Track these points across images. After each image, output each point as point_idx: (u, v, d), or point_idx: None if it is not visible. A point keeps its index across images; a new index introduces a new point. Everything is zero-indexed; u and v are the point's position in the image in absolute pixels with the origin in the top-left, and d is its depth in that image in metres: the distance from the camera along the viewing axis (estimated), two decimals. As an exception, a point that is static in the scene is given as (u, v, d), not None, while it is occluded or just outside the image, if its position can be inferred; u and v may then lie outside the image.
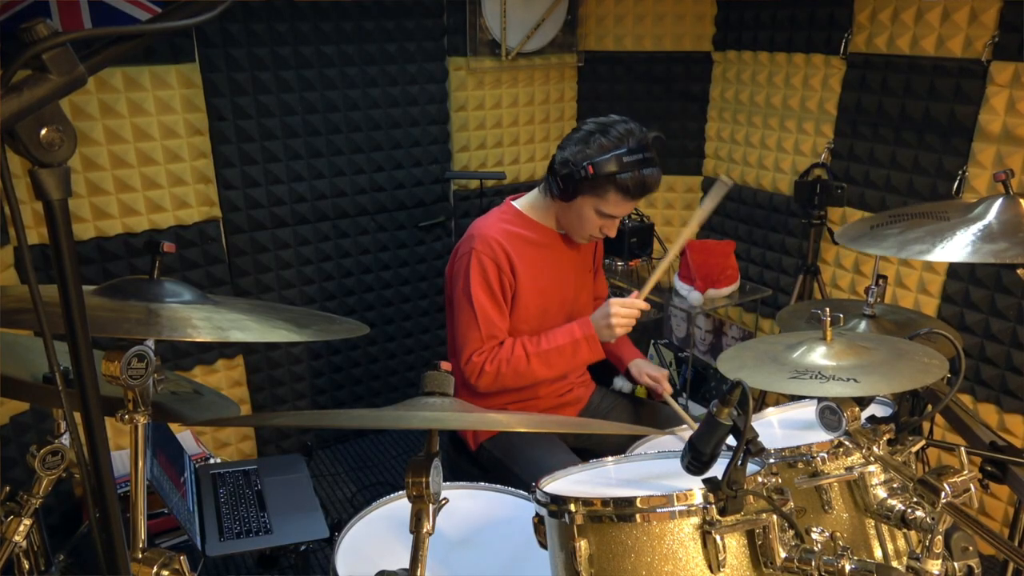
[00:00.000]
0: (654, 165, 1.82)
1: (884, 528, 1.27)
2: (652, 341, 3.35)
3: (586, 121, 1.87)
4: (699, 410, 3.01)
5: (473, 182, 3.27)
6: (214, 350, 2.91)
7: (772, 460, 1.25)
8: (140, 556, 0.98)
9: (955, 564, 1.10)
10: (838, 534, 1.06)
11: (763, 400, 2.57)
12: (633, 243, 2.99)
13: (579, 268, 2.09)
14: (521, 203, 2.01)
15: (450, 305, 1.98)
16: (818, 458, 1.28)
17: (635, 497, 1.03)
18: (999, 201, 1.46)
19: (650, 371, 2.13)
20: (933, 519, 1.08)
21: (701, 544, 1.01)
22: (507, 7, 3.10)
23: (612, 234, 1.93)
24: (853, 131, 2.80)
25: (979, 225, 1.43)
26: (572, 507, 1.06)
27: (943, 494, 1.04)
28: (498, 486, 1.57)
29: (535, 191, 2.00)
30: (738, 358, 1.38)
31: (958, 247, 1.38)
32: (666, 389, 2.06)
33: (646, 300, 1.91)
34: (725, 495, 0.99)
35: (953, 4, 2.40)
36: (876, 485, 1.22)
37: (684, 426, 1.83)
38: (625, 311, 1.87)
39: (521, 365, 1.87)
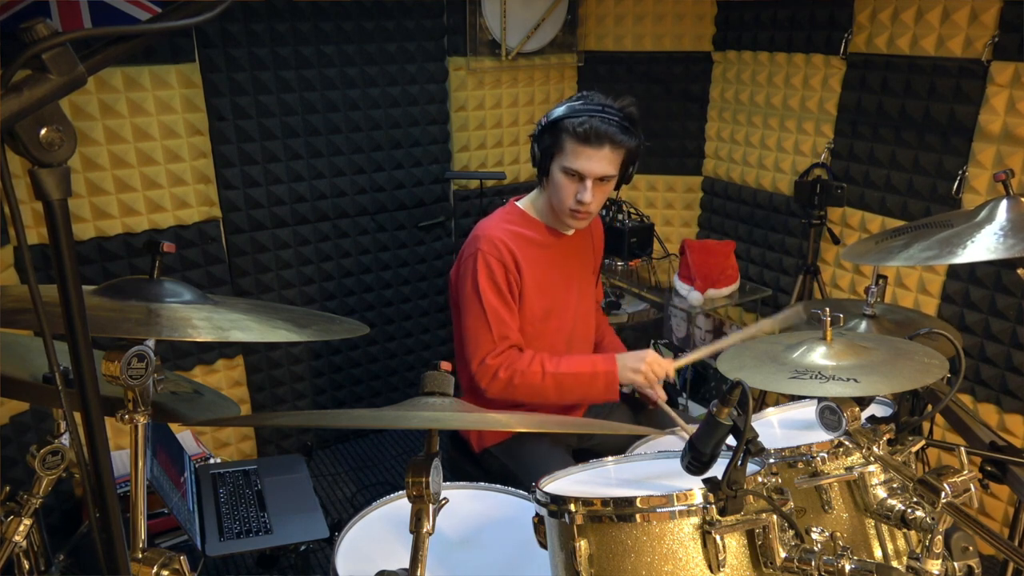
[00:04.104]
0: (613, 121, 1.78)
1: (884, 528, 1.27)
2: (652, 341, 3.35)
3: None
4: (699, 410, 3.01)
5: (473, 182, 3.27)
6: (214, 350, 2.91)
7: (772, 460, 1.25)
8: (140, 556, 0.98)
9: (955, 564, 1.10)
10: (838, 534, 1.06)
11: (763, 400, 2.57)
12: (633, 243, 2.99)
13: (582, 268, 2.08)
14: (524, 203, 2.01)
15: (456, 309, 1.96)
16: (818, 458, 1.28)
17: (635, 497, 1.03)
18: (1004, 202, 1.46)
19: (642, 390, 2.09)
20: (933, 519, 1.08)
21: (701, 544, 1.01)
22: (507, 7, 3.10)
23: (586, 199, 1.83)
24: (853, 131, 2.80)
25: (992, 227, 1.42)
26: (572, 507, 1.06)
27: (943, 494, 1.04)
28: (498, 486, 1.57)
29: (536, 190, 2.00)
30: (738, 358, 1.38)
31: (979, 248, 1.37)
32: (660, 396, 2.02)
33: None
34: (725, 495, 0.99)
35: (953, 4, 2.40)
36: (876, 485, 1.22)
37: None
38: (657, 367, 1.86)
39: (535, 380, 1.84)
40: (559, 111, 1.83)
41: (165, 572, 0.97)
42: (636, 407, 2.19)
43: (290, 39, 2.75)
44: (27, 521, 1.21)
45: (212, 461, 2.51)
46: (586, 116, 1.79)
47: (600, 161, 1.82)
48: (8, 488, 1.23)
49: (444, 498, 1.02)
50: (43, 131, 0.65)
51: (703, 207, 3.50)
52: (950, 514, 1.05)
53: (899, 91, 2.62)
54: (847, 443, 1.25)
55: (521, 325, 1.93)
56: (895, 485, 1.22)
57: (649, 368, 1.86)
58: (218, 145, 2.72)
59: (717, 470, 1.02)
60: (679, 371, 3.21)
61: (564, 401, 1.92)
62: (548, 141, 1.85)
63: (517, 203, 2.01)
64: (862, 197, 2.80)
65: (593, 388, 1.88)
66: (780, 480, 1.14)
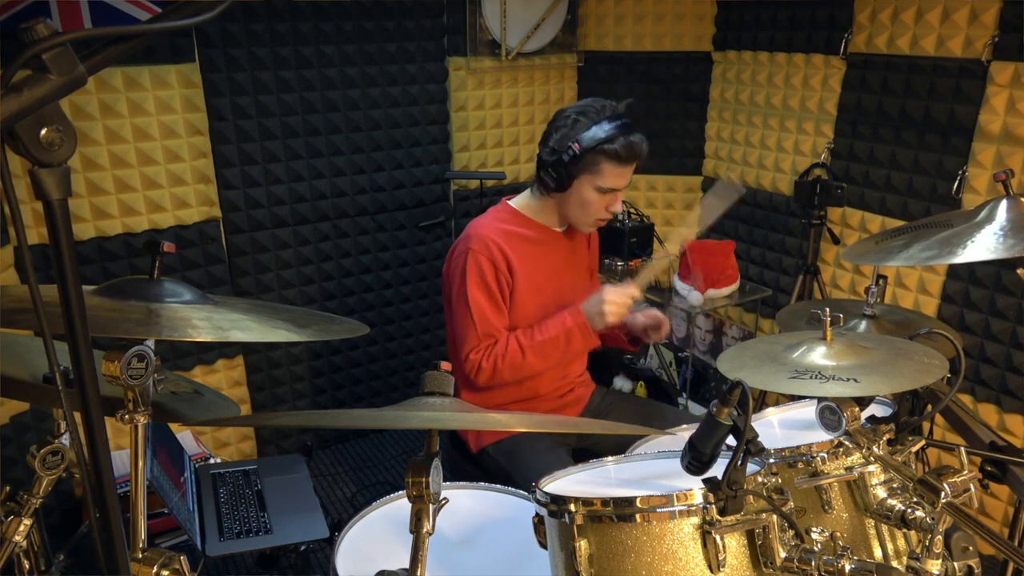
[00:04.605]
0: (636, 131, 1.84)
1: (884, 528, 1.27)
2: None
3: (560, 111, 1.90)
4: (699, 410, 3.01)
5: (473, 182, 3.27)
6: (214, 350, 2.91)
7: (772, 460, 1.25)
8: (140, 556, 0.98)
9: (955, 564, 1.10)
10: (838, 534, 1.06)
11: (763, 400, 2.57)
12: (633, 243, 2.99)
13: (576, 266, 2.09)
14: (517, 202, 2.02)
15: (448, 304, 1.99)
16: (818, 458, 1.28)
17: (635, 497, 1.03)
18: (1004, 202, 1.46)
19: (644, 321, 2.06)
20: (933, 519, 1.08)
21: (701, 544, 1.01)
22: (507, 7, 3.10)
23: (617, 209, 1.94)
24: (853, 131, 2.80)
25: (992, 227, 1.42)
26: (572, 507, 1.06)
27: (943, 494, 1.04)
28: (498, 486, 1.57)
29: (527, 191, 2.01)
30: (738, 358, 1.38)
31: (979, 248, 1.37)
32: (663, 333, 2.02)
33: (642, 294, 1.91)
34: (725, 495, 0.99)
35: (953, 4, 2.40)
36: (876, 485, 1.22)
37: (684, 426, 1.83)
38: (618, 297, 1.87)
39: (516, 358, 1.88)
40: (591, 135, 1.81)
41: (165, 572, 0.97)
42: (636, 406, 2.19)
43: (290, 39, 2.75)
44: (27, 521, 1.21)
45: (212, 461, 2.51)
46: (620, 136, 1.81)
47: (630, 174, 1.89)
48: (8, 488, 1.23)
49: (444, 498, 1.02)
50: (43, 131, 0.65)
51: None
52: (950, 514, 1.05)
53: (899, 91, 2.62)
54: (847, 443, 1.25)
55: (516, 322, 1.94)
56: (895, 485, 1.22)
57: (611, 302, 1.86)
58: (218, 145, 2.72)
59: (717, 470, 1.02)
60: (678, 368, 3.22)
61: (551, 365, 1.95)
62: (583, 165, 1.83)
63: (509, 202, 2.02)
64: (862, 197, 2.80)
65: (572, 344, 1.91)
66: (780, 480, 1.14)
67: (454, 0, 3.02)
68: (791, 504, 1.07)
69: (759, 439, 1.03)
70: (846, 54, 2.76)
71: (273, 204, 2.88)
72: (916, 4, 2.50)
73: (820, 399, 1.23)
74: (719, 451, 1.04)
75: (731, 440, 1.03)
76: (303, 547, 2.03)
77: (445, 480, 1.08)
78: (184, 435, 2.67)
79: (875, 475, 1.22)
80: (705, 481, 1.02)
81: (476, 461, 2.06)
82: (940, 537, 1.06)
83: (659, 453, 1.38)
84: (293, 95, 2.80)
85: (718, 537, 0.99)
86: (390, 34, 2.93)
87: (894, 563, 1.27)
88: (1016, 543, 1.58)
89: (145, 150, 2.56)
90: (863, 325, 1.90)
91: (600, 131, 1.80)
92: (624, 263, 3.06)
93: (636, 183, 3.52)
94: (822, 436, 1.26)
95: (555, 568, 1.11)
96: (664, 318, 2.02)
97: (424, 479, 0.97)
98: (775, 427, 1.58)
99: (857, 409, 1.21)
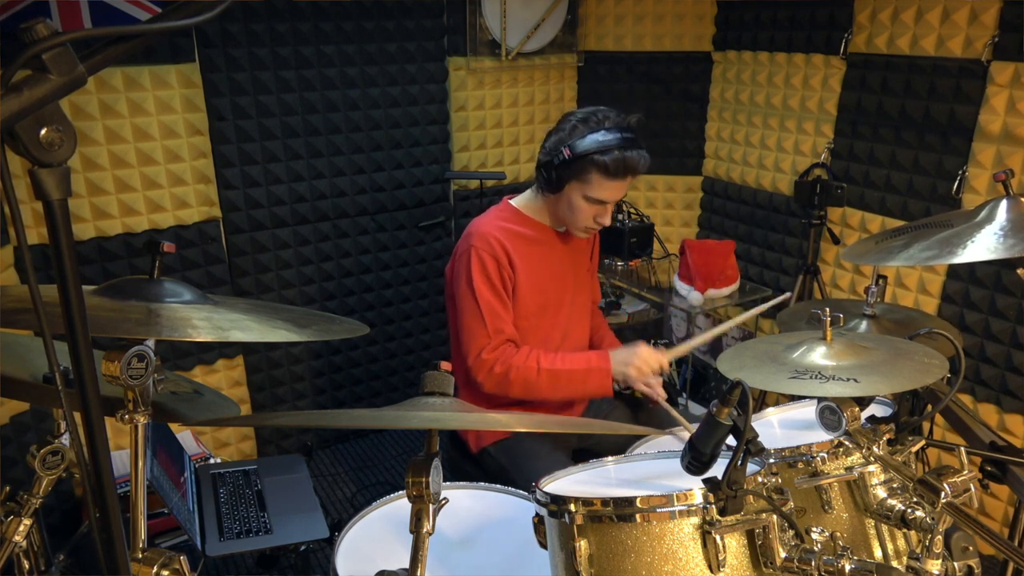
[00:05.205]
0: (636, 147, 1.80)
1: (884, 528, 1.27)
2: (652, 341, 3.34)
3: (568, 113, 1.89)
4: (699, 410, 3.01)
5: (473, 182, 3.27)
6: (214, 350, 2.91)
7: (772, 460, 1.26)
8: (140, 556, 0.98)
9: (955, 564, 1.10)
10: (838, 534, 1.06)
11: (763, 400, 2.57)
12: (633, 243, 2.99)
13: (577, 265, 2.09)
14: (518, 201, 2.02)
15: (452, 305, 1.98)
16: (818, 458, 1.28)
17: (635, 497, 1.03)
18: (1004, 202, 1.46)
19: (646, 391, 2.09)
20: (933, 519, 1.08)
21: (701, 544, 1.01)
22: (507, 7, 3.10)
23: (607, 222, 1.91)
24: (853, 131, 2.80)
25: (992, 227, 1.42)
26: (572, 507, 1.06)
27: (943, 494, 1.04)
28: (498, 486, 1.57)
29: (530, 190, 2.01)
30: (738, 358, 1.38)
31: (979, 248, 1.37)
32: (660, 395, 2.03)
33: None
34: (725, 495, 0.99)
35: (953, 4, 2.40)
36: (876, 485, 1.22)
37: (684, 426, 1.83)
38: (650, 361, 1.86)
39: (530, 376, 1.86)
40: (583, 143, 1.78)
41: (165, 572, 0.97)
42: (636, 406, 2.19)
43: (290, 39, 2.75)
44: (27, 521, 1.21)
45: (212, 461, 2.51)
46: (616, 151, 1.77)
47: (623, 189, 1.87)
48: (8, 488, 1.23)
49: (444, 498, 1.02)
50: (43, 131, 0.65)
51: (703, 207, 3.50)
52: (950, 514, 1.05)
53: (899, 91, 2.62)
54: (847, 443, 1.26)
55: (516, 320, 1.94)
56: (895, 485, 1.22)
57: (641, 361, 1.86)
58: (218, 145, 2.72)
59: (717, 470, 1.02)
60: (678, 368, 3.22)
61: (557, 396, 1.93)
62: (572, 171, 1.82)
63: (511, 201, 2.02)
64: (862, 197, 2.80)
65: (587, 384, 1.90)
66: (780, 480, 1.14)
67: (454, 0, 3.02)
68: (791, 504, 1.07)
69: (759, 439, 1.03)
70: (846, 54, 2.76)
71: (273, 204, 2.88)
72: (916, 4, 2.50)
73: (820, 399, 1.23)
74: (719, 451, 1.04)
75: (731, 440, 1.03)
76: (303, 547, 2.03)
77: (445, 480, 1.08)
78: (184, 435, 2.67)
79: (875, 475, 1.22)
80: (705, 481, 1.02)
81: (476, 461, 2.06)
82: (940, 537, 1.06)
83: (659, 453, 1.38)
84: (293, 95, 2.80)
85: (718, 537, 0.99)
86: (390, 34, 2.93)
87: (894, 563, 1.27)
88: (1016, 543, 1.58)
89: (145, 150, 2.56)
90: (863, 325, 1.90)
91: (594, 141, 1.78)
92: (624, 263, 3.06)
93: (636, 183, 3.51)
94: (822, 436, 1.26)
95: (555, 568, 1.11)
96: (660, 393, 1.97)
97: (424, 479, 0.97)
98: (775, 427, 1.58)
99: (857, 409, 1.21)
